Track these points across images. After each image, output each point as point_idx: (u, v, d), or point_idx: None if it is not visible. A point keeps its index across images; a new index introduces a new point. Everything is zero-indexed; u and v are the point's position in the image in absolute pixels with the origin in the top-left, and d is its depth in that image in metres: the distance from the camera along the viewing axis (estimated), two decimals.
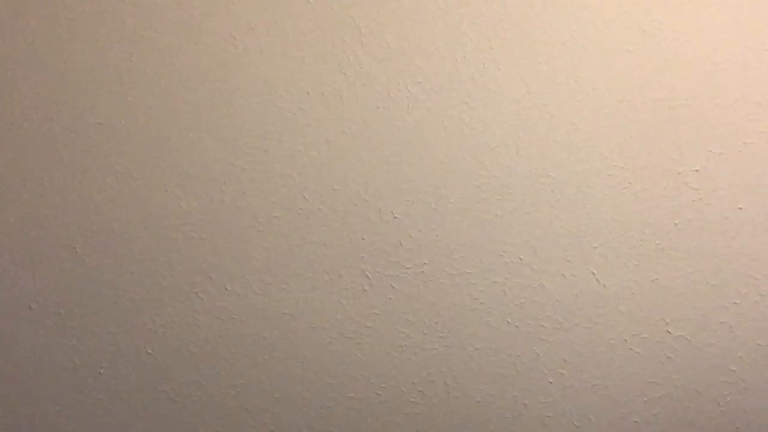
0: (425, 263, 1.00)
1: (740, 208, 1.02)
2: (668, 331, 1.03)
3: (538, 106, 0.99)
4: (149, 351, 0.98)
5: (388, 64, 0.98)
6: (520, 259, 1.00)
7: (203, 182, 0.97)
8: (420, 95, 0.98)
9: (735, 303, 1.03)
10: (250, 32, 0.96)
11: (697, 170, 1.01)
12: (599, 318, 1.02)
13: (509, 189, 1.00)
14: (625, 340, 1.03)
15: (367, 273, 0.99)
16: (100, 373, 0.98)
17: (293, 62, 0.97)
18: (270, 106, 0.97)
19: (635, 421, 1.04)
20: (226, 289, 0.98)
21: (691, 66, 1.00)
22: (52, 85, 0.95)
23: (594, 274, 1.01)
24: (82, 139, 0.95)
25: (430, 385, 1.01)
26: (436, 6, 0.97)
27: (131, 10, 0.95)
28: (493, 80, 0.99)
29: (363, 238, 0.99)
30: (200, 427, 0.99)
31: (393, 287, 0.99)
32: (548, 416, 1.03)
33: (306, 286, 0.98)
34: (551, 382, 1.02)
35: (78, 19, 0.94)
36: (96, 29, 0.95)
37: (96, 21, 0.95)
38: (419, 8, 0.97)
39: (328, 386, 1.00)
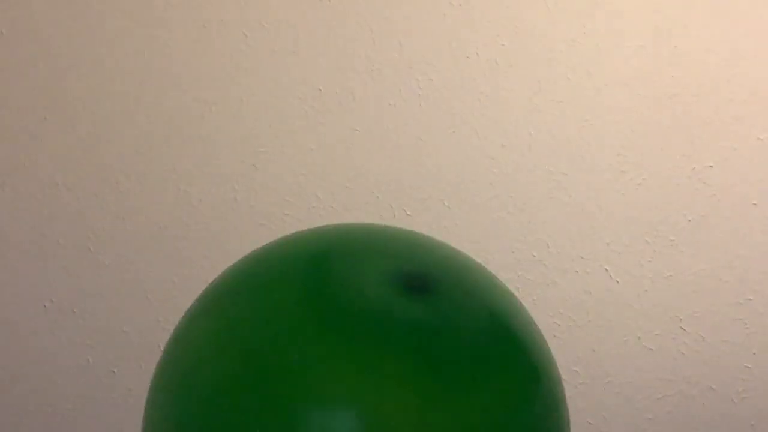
0: None
1: (754, 204, 1.01)
2: (682, 328, 1.03)
3: (551, 103, 0.99)
4: (163, 349, 0.98)
5: (400, 62, 0.97)
6: (533, 255, 1.00)
7: (215, 181, 0.97)
8: (432, 92, 0.98)
9: (749, 299, 1.02)
10: (261, 30, 0.96)
11: (710, 166, 1.01)
12: (612, 315, 1.02)
13: (521, 186, 1.00)
14: (639, 337, 1.02)
15: None
16: (113, 371, 0.98)
17: (305, 60, 0.97)
18: (282, 105, 0.97)
19: (649, 418, 1.04)
20: None
21: (704, 61, 1.00)
22: (63, 84, 0.95)
23: (607, 270, 1.01)
24: (94, 138, 0.96)
25: None
26: (448, 3, 0.97)
27: (141, 8, 0.95)
28: (505, 77, 0.98)
29: None
30: None
31: None
32: None
33: None
34: (564, 380, 1.02)
35: (88, 17, 0.95)
36: (106, 27, 0.95)
37: (106, 19, 0.95)
38: (430, 5, 0.97)
39: None
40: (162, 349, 1.01)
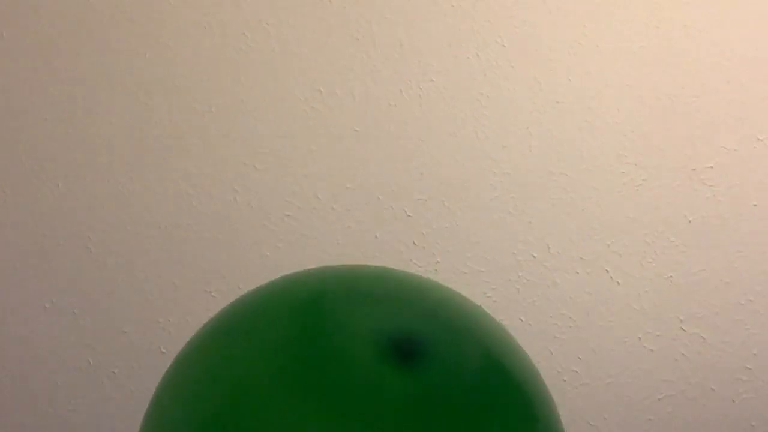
0: (438, 261, 0.99)
1: (755, 205, 1.01)
2: (682, 329, 1.03)
3: (551, 104, 0.99)
4: (163, 350, 0.98)
5: (401, 62, 0.97)
6: (534, 256, 1.00)
7: (216, 182, 0.97)
8: (432, 93, 0.98)
9: (750, 300, 1.03)
10: (261, 30, 0.96)
11: (711, 167, 1.01)
12: (613, 316, 1.02)
13: (522, 187, 1.00)
14: (639, 338, 1.02)
15: None
16: (114, 372, 0.98)
17: (305, 60, 0.97)
18: (282, 105, 0.97)
19: (649, 419, 1.04)
20: (239, 288, 0.98)
21: (705, 62, 1.00)
22: (64, 86, 0.95)
23: (608, 271, 1.01)
24: (95, 139, 0.96)
25: None
26: (449, 4, 0.97)
27: (141, 9, 0.95)
28: (506, 78, 0.98)
29: (376, 237, 0.98)
30: None
31: None
32: (562, 415, 1.03)
33: None
34: (565, 381, 1.02)
35: (88, 19, 0.95)
36: (107, 29, 0.95)
37: (106, 21, 0.95)
38: (431, 6, 0.97)
39: None
40: (162, 350, 1.01)
